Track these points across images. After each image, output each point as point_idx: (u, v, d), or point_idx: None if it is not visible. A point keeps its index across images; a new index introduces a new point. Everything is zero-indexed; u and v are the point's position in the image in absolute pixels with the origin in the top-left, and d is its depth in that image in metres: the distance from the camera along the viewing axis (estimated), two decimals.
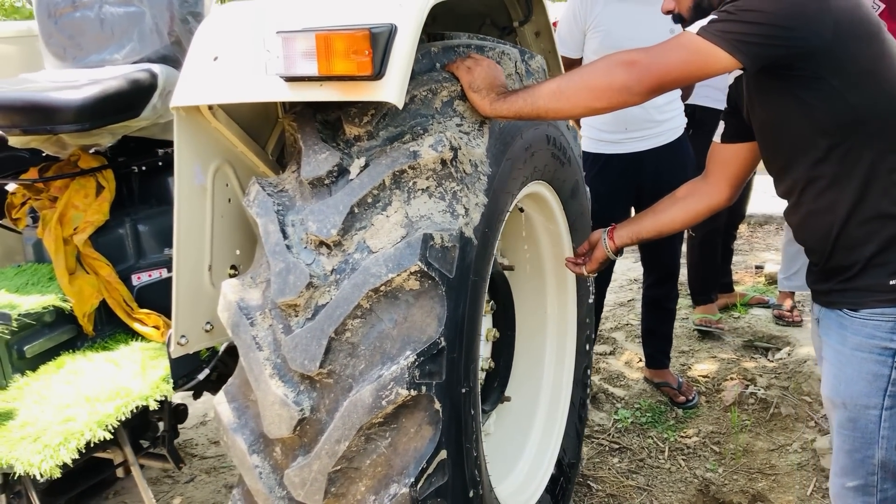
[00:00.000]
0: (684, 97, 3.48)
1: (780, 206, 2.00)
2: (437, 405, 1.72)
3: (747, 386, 3.67)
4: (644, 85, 1.75)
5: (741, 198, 3.98)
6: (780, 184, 1.93)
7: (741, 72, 1.99)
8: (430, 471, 1.72)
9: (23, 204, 2.28)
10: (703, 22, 1.72)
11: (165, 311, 2.29)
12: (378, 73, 1.66)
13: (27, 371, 2.00)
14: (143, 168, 2.39)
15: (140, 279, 2.30)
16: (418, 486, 1.69)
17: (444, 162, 1.80)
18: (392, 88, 1.67)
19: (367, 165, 1.80)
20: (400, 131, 1.86)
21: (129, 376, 1.96)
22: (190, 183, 1.94)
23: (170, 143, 2.44)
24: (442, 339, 1.72)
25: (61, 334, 2.11)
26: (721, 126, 2.08)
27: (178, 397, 2.29)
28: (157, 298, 2.30)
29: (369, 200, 1.76)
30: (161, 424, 2.22)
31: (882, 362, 1.77)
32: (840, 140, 1.73)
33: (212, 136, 1.99)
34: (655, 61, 1.75)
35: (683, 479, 3.14)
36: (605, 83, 1.79)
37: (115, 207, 2.28)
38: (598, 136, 3.41)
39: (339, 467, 1.69)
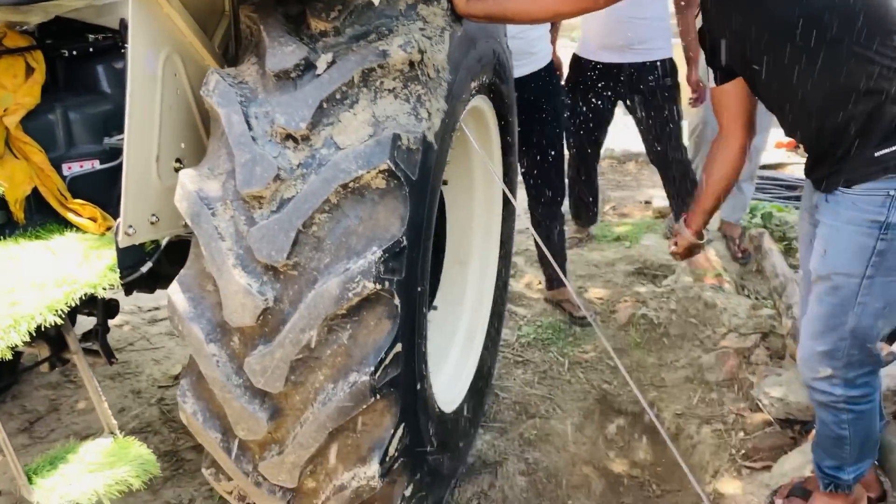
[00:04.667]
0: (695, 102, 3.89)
1: None
2: (397, 301, 1.79)
3: (639, 308, 3.94)
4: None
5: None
6: (766, 91, 2.07)
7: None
8: (387, 362, 1.79)
9: None
10: None
11: (98, 203, 2.23)
12: None
13: None
14: (74, 53, 2.26)
15: (71, 169, 2.20)
16: (376, 375, 1.76)
17: (412, 64, 1.82)
18: None
19: (334, 62, 1.80)
20: (366, 30, 1.87)
21: (72, 265, 1.90)
22: (143, 70, 1.87)
23: (102, 29, 2.33)
24: (404, 238, 1.78)
25: None
26: (710, 73, 2.18)
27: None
28: (89, 190, 2.22)
29: (338, 97, 1.77)
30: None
31: (869, 234, 1.91)
32: (802, 32, 1.86)
33: (163, 22, 1.92)
34: None
35: (582, 389, 3.37)
36: None
37: (44, 92, 2.16)
38: None
39: (300, 356, 1.73)
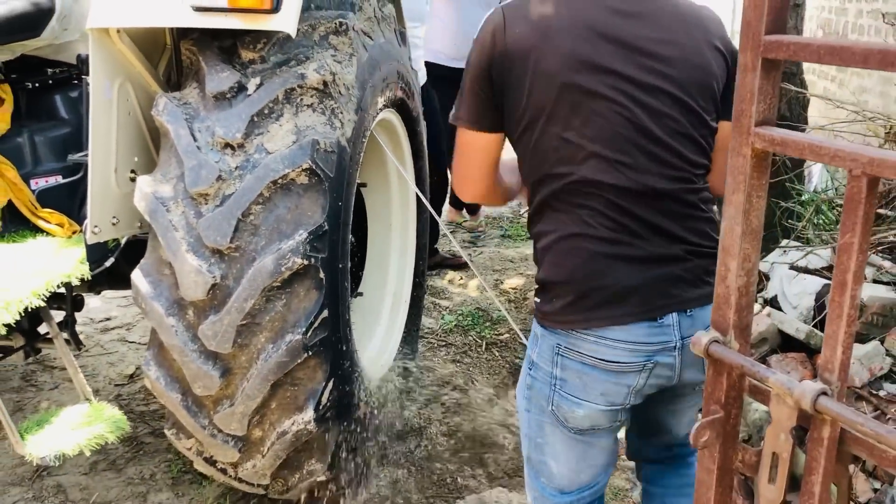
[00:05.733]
0: None
1: None
2: (322, 274, 2.21)
3: None
4: (469, 196, 1.92)
5: None
6: None
7: None
8: (316, 325, 2.21)
9: None
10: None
11: (62, 211, 2.59)
12: (275, 8, 2.09)
13: None
14: (37, 85, 2.63)
15: (38, 184, 2.56)
16: (308, 334, 2.18)
17: (325, 83, 2.26)
18: (288, 21, 2.11)
19: (261, 84, 2.22)
20: (287, 58, 2.29)
21: (47, 261, 2.26)
22: (102, 95, 2.26)
23: (58, 64, 2.71)
24: (325, 223, 2.20)
25: None
26: None
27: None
28: (54, 201, 2.58)
29: (266, 112, 2.19)
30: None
31: (525, 367, 1.86)
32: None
33: (117, 56, 2.31)
34: (457, 175, 1.88)
35: (497, 365, 3.83)
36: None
37: (12, 119, 2.52)
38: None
39: (245, 322, 2.13)
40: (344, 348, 2.41)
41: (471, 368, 3.77)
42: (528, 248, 5.21)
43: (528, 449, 1.88)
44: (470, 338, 4.06)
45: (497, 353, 3.92)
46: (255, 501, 2.84)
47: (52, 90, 2.69)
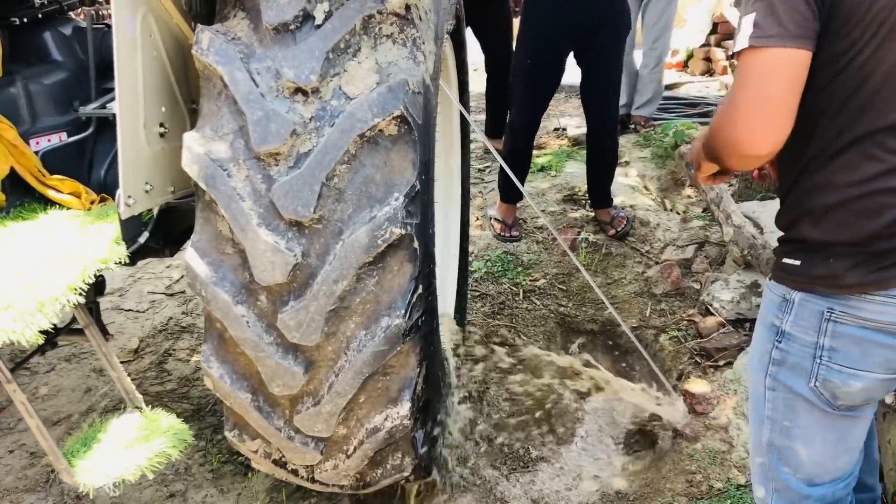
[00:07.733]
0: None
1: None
2: (416, 244, 1.83)
3: (578, 232, 4.11)
4: (772, 144, 1.37)
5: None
6: None
7: None
8: (413, 304, 1.84)
9: None
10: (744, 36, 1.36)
11: (72, 177, 2.14)
12: None
13: None
14: (24, 21, 2.12)
15: (39, 144, 2.09)
16: (407, 317, 1.81)
17: (407, 7, 1.83)
18: None
19: (331, 11, 1.78)
20: None
21: (74, 242, 1.82)
22: (126, 31, 1.80)
23: None
24: (417, 182, 1.81)
25: None
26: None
27: None
28: (61, 165, 2.12)
29: (342, 46, 1.77)
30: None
31: (768, 339, 1.62)
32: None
33: None
34: (757, 117, 1.36)
35: (541, 315, 3.52)
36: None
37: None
38: None
39: (333, 307, 1.76)
40: (434, 326, 2.05)
41: (514, 321, 3.46)
42: (541, 182, 4.85)
43: (772, 433, 1.66)
44: (504, 286, 3.73)
45: (537, 302, 3.60)
46: (313, 495, 2.52)
47: (41, 27, 2.17)
